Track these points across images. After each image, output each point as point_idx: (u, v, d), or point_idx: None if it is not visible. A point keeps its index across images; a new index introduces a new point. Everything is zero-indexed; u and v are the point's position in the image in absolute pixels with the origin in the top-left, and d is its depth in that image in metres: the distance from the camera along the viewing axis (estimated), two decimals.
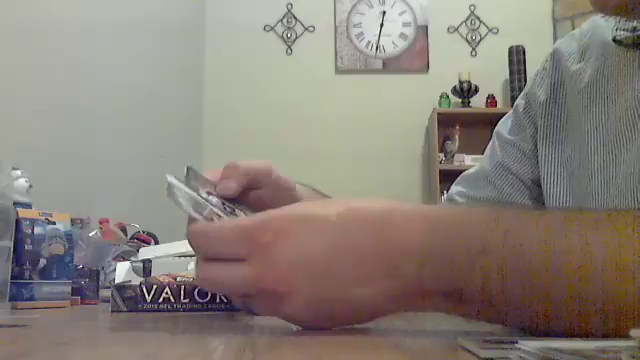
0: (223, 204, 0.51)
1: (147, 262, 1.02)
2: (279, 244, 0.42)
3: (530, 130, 0.76)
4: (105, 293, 1.00)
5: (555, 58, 0.75)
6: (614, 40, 0.68)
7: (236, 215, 0.51)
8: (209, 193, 0.52)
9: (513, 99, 3.33)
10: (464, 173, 0.85)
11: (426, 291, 0.42)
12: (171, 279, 0.74)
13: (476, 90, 3.39)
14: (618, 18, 0.68)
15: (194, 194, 0.49)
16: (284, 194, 0.59)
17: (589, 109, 0.68)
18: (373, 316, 0.45)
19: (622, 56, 0.66)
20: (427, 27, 3.59)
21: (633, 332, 0.23)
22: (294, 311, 0.43)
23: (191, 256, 1.02)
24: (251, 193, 0.57)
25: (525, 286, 0.39)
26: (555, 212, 0.44)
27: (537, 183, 0.75)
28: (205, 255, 0.45)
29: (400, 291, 0.42)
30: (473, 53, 3.59)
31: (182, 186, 0.49)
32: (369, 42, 3.58)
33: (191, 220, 0.48)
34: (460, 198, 0.81)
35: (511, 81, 3.38)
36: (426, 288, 0.42)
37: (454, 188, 0.84)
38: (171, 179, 0.48)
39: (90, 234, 1.28)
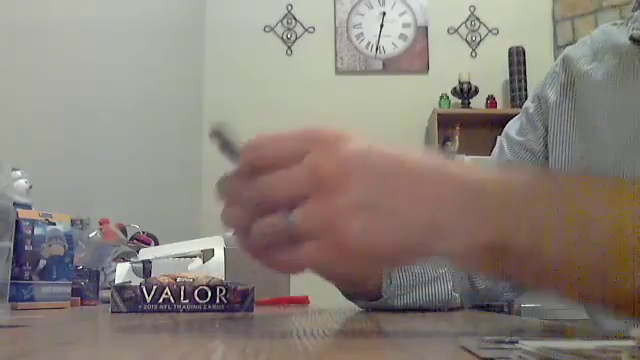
0: None
1: (147, 263, 1.02)
2: (351, 142, 0.42)
3: (541, 131, 0.76)
4: (105, 294, 1.00)
5: (565, 62, 0.77)
6: (631, 38, 0.68)
7: None
8: None
9: (513, 100, 3.33)
10: None
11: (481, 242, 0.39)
12: (171, 280, 0.74)
13: (476, 91, 3.39)
14: (633, 20, 0.69)
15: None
16: None
17: (603, 106, 0.68)
18: (415, 252, 0.42)
19: (638, 55, 0.67)
20: (427, 28, 3.59)
21: (633, 332, 0.23)
22: (346, 214, 0.39)
23: (191, 257, 1.02)
24: None
25: (574, 241, 0.38)
26: (603, 178, 0.43)
27: None
28: (263, 162, 0.43)
29: (449, 230, 0.40)
30: (473, 54, 3.59)
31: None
32: (369, 43, 3.58)
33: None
34: None
35: (511, 82, 3.38)
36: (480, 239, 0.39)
37: None
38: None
39: (90, 235, 1.28)
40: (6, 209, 0.75)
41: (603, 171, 0.66)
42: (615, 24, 0.75)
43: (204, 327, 0.55)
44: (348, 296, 0.77)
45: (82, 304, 0.97)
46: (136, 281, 0.79)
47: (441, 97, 3.42)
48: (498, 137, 0.85)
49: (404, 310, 0.72)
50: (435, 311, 0.73)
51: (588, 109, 0.70)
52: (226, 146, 0.47)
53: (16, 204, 0.95)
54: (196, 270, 0.98)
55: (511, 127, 0.82)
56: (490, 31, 3.59)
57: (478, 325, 0.55)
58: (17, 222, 0.82)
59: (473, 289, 0.77)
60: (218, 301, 0.73)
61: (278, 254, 0.50)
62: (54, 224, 0.88)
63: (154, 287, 0.72)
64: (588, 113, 0.70)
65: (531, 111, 0.78)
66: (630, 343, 0.23)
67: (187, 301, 0.72)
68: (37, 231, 0.85)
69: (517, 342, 0.28)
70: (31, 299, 0.82)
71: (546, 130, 0.76)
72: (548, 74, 0.79)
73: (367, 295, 0.74)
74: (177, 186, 2.84)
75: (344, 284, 0.75)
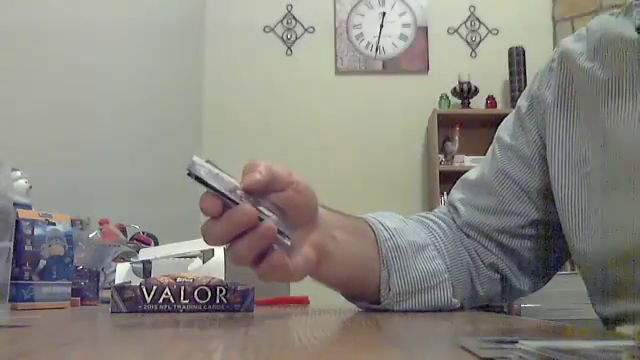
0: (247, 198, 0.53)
1: (147, 263, 1.02)
2: None
3: (533, 133, 0.74)
4: (105, 294, 1.00)
5: (563, 58, 0.74)
6: (638, 30, 0.66)
7: (261, 209, 0.53)
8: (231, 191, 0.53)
9: (513, 100, 3.33)
10: (464, 177, 0.83)
11: None
12: (171, 280, 0.74)
13: (476, 91, 3.39)
14: (632, 13, 0.67)
15: (221, 172, 0.52)
16: (303, 200, 0.59)
17: (610, 106, 0.66)
18: None
19: None
20: (427, 28, 3.59)
21: (624, 329, 0.23)
22: None
23: (191, 257, 1.02)
24: (271, 196, 0.56)
25: None
26: None
27: (540, 191, 0.74)
28: None
29: None
30: (473, 54, 3.59)
31: (208, 165, 0.52)
32: (369, 43, 3.58)
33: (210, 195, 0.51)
34: (462, 205, 0.80)
35: (511, 82, 3.38)
36: None
37: (455, 194, 0.82)
38: (196, 158, 0.51)
39: (90, 235, 1.28)
40: (6, 209, 0.75)
41: (613, 172, 0.65)
42: (613, 14, 0.72)
43: (204, 327, 0.55)
44: (348, 298, 0.76)
45: (82, 304, 0.97)
46: (136, 281, 0.79)
47: (441, 97, 3.42)
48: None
49: (404, 310, 0.72)
50: (435, 311, 0.73)
51: (593, 108, 0.68)
52: (202, 182, 0.51)
53: (16, 204, 0.95)
54: (196, 270, 0.98)
55: (503, 129, 0.80)
56: (490, 31, 3.59)
57: (478, 325, 0.55)
58: (17, 222, 0.82)
59: (474, 293, 0.77)
60: (218, 301, 0.73)
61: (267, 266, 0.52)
62: (54, 224, 0.88)
63: (154, 287, 0.72)
64: (593, 112, 0.68)
65: (523, 111, 0.76)
66: (630, 343, 0.23)
67: (187, 301, 0.72)
68: (37, 231, 0.85)
69: (517, 342, 0.28)
70: (31, 299, 0.82)
71: (538, 133, 0.74)
72: (543, 71, 0.76)
73: (367, 299, 0.73)
74: (177, 186, 2.83)
75: (343, 290, 0.74)
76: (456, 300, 0.74)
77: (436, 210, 0.84)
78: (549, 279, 0.80)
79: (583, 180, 0.68)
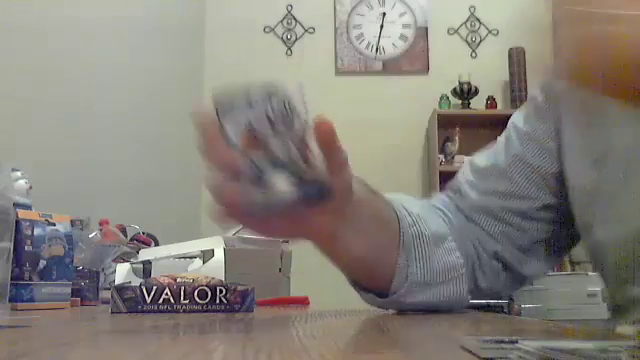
0: None
1: (147, 263, 1.02)
2: None
3: (550, 122, 0.74)
4: (105, 294, 1.00)
5: None
6: None
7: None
8: None
9: (513, 100, 3.33)
10: (472, 162, 0.81)
11: None
12: (171, 280, 0.74)
13: (476, 92, 3.39)
14: None
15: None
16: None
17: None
18: None
19: None
20: (427, 28, 3.59)
21: (621, 329, 0.23)
22: None
23: (191, 257, 1.02)
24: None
25: None
26: None
27: (557, 178, 0.74)
28: None
29: None
30: (473, 55, 3.59)
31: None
32: (369, 43, 3.59)
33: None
34: (470, 188, 0.78)
35: (511, 82, 3.38)
36: None
37: (462, 177, 0.80)
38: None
39: (90, 235, 1.28)
40: (6, 209, 0.75)
41: (619, 161, 0.64)
42: None
43: (204, 327, 0.55)
44: (356, 286, 0.72)
45: (82, 304, 0.97)
46: (136, 281, 0.79)
47: (441, 98, 3.43)
48: (498, 137, 0.83)
49: (413, 304, 0.70)
50: (435, 311, 0.73)
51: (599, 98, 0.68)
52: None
53: (16, 204, 0.95)
54: (196, 270, 0.98)
55: (518, 118, 0.79)
56: (490, 32, 3.59)
57: (478, 325, 0.55)
58: (17, 222, 0.82)
59: (475, 287, 0.76)
60: (218, 301, 0.73)
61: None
62: (54, 225, 0.88)
63: (154, 287, 0.72)
64: (600, 101, 0.68)
65: (540, 99, 0.76)
66: (630, 343, 0.23)
67: (187, 301, 0.72)
68: (37, 232, 0.85)
69: (517, 342, 0.28)
70: (31, 299, 0.82)
71: (554, 122, 0.73)
72: None
73: (376, 287, 0.70)
74: (177, 186, 2.84)
75: (354, 271, 0.71)
76: (469, 297, 0.73)
77: (436, 198, 0.82)
78: (551, 266, 0.80)
79: (594, 166, 0.67)
